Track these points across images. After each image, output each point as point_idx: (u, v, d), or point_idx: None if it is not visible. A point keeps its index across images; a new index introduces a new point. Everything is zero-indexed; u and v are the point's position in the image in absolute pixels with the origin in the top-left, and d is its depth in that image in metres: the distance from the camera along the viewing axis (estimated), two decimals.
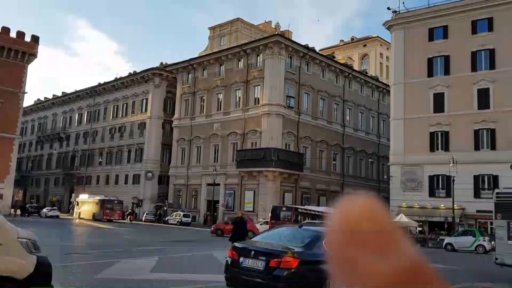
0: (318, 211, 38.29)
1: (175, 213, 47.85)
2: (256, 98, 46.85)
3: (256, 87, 47.04)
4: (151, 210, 54.08)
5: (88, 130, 68.50)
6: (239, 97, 48.52)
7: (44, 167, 76.84)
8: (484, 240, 27.89)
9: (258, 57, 47.24)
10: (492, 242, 25.46)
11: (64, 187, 70.11)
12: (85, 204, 51.86)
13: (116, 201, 50.38)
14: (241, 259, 8.21)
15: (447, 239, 29.85)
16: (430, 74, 37.70)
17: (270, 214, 35.52)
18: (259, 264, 7.84)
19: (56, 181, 73.33)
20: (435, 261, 15.74)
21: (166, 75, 58.24)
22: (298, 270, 7.54)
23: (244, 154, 45.26)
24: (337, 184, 51.11)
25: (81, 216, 50.35)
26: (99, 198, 50.16)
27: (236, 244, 9.04)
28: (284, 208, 35.73)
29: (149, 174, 56.66)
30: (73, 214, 55.24)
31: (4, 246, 5.49)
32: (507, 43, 34.63)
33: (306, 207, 40.07)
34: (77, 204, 54.06)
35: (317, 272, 6.76)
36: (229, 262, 8.49)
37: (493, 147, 34.54)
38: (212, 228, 33.47)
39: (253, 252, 8.13)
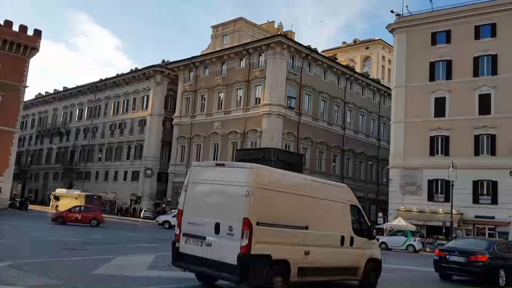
0: None
1: (173, 210, 47.79)
2: (257, 98, 46.85)
3: (257, 87, 47.04)
4: (149, 207, 54.10)
5: (89, 126, 68.54)
6: (240, 97, 48.52)
7: (44, 161, 76.89)
8: (415, 240, 30.22)
9: (260, 57, 47.23)
10: (422, 242, 30.17)
11: (63, 182, 70.06)
12: (63, 198, 53.28)
13: (96, 197, 52.25)
14: (448, 256, 14.11)
15: (381, 238, 31.06)
16: (431, 78, 37.71)
17: None
18: (462, 259, 13.76)
19: (55, 175, 73.37)
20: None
21: (168, 72, 58.25)
22: (487, 262, 13.39)
23: (243, 154, 45.01)
24: None
25: (58, 210, 50.76)
26: (78, 192, 52.28)
27: (442, 247, 15.35)
28: None
29: (148, 171, 56.67)
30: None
31: None
32: (510, 49, 34.67)
33: None
34: (54, 198, 54.65)
35: (496, 264, 13.54)
36: (438, 259, 14.42)
37: (493, 152, 34.55)
38: (53, 216, 30.42)
39: (456, 252, 14.07)
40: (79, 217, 29.82)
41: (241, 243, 7.78)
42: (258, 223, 7.93)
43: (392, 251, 28.95)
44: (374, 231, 11.62)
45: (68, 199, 52.82)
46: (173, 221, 32.87)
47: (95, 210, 32.31)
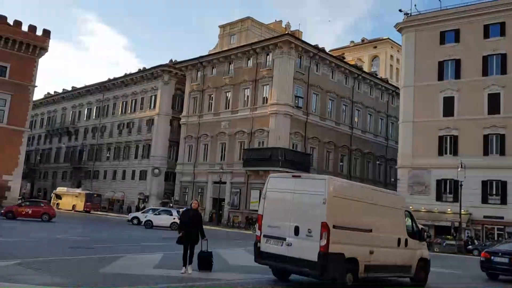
0: None
1: (181, 210, 47.93)
2: (264, 98, 46.83)
3: (264, 86, 47.01)
4: (156, 206, 54.28)
5: (97, 125, 68.94)
6: (248, 96, 48.52)
7: (52, 160, 77.46)
8: None
9: (268, 56, 47.20)
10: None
11: (71, 181, 70.56)
12: (64, 196, 55.72)
13: (95, 195, 54.83)
14: (492, 257, 15.48)
15: None
16: (440, 77, 37.44)
17: None
18: (505, 260, 15.15)
19: (63, 174, 73.88)
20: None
21: (175, 72, 58.41)
22: None
23: (251, 153, 45.26)
24: None
25: (59, 208, 52.04)
26: (79, 191, 54.99)
27: (488, 250, 16.19)
28: None
29: (156, 171, 56.91)
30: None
31: None
32: None
33: None
34: (56, 196, 56.04)
35: None
36: (484, 260, 15.77)
37: (502, 152, 34.24)
38: (2, 211, 30.09)
39: (500, 253, 15.51)
40: (30, 212, 29.79)
41: (320, 243, 9.16)
42: (334, 226, 9.29)
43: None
44: (425, 233, 13.52)
45: (69, 197, 54.94)
46: (142, 217, 33.10)
47: (46, 205, 32.49)
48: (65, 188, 58.27)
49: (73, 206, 53.73)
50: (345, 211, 9.79)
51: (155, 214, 33.19)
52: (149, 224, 31.54)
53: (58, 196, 56.62)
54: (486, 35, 36.15)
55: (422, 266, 12.12)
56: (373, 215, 10.62)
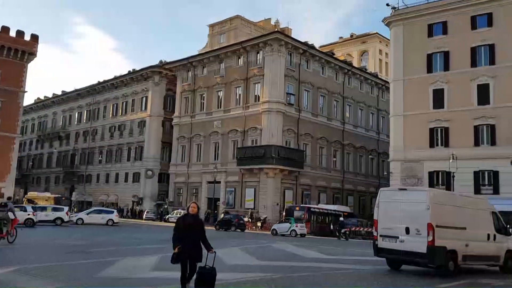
0: (329, 210, 39.88)
1: (175, 211, 47.97)
2: (256, 96, 46.88)
3: (256, 85, 47.07)
4: (151, 208, 54.23)
5: (88, 129, 68.62)
6: (239, 95, 48.55)
7: (45, 165, 77.03)
8: (297, 226, 33.46)
9: (258, 55, 47.24)
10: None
11: (64, 186, 70.23)
12: (36, 200, 54.35)
13: (64, 198, 54.71)
14: None
15: (274, 226, 35.74)
16: (429, 70, 37.60)
17: (284, 214, 38.55)
18: None
19: (56, 179, 73.49)
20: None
21: (166, 73, 58.28)
22: None
23: (244, 152, 45.32)
24: (337, 180, 51.18)
25: None
26: (49, 195, 54.62)
27: None
28: (297, 208, 38.74)
29: (149, 172, 56.79)
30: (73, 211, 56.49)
31: None
32: (507, 38, 34.54)
33: (319, 206, 41.53)
34: (28, 201, 55.93)
35: None
36: None
37: (493, 142, 34.47)
38: None
39: None
40: None
41: (427, 239, 12.07)
42: (437, 226, 12.12)
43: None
44: (510, 229, 15.39)
45: (40, 201, 54.55)
46: (86, 218, 35.47)
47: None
48: (36, 193, 57.60)
49: None
50: (444, 214, 12.57)
51: (87, 214, 37.05)
52: (80, 221, 34.96)
53: (30, 201, 56.47)
54: (474, 26, 36.32)
55: (509, 256, 14.55)
56: (466, 216, 13.32)
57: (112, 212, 38.23)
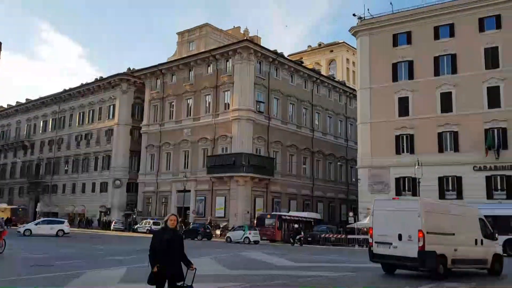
0: (300, 217, 40.07)
1: (144, 221, 47.19)
2: (226, 103, 46.86)
3: (226, 92, 47.06)
4: (119, 218, 53.12)
5: (54, 138, 66.85)
6: (209, 102, 48.40)
7: (8, 176, 74.49)
8: (250, 233, 33.95)
9: (228, 62, 47.29)
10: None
11: (29, 197, 68.06)
12: None
13: (20, 209, 54.55)
14: None
15: (228, 233, 36.32)
16: (395, 78, 38.57)
17: (255, 221, 38.71)
18: None
19: (20, 190, 71.13)
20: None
21: (134, 80, 57.53)
22: None
23: (214, 160, 45.13)
24: (307, 187, 51.58)
25: None
26: (5, 206, 54.42)
27: None
28: (268, 216, 38.79)
29: (117, 182, 55.70)
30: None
31: None
32: (468, 48, 35.88)
33: (290, 213, 41.62)
34: None
35: None
36: None
37: (456, 149, 35.58)
38: None
39: None
40: None
41: (418, 244, 13.00)
42: (427, 232, 13.07)
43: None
44: (497, 234, 16.32)
45: None
46: (35, 229, 34.35)
47: None
48: None
49: None
50: (434, 221, 13.55)
51: (35, 224, 35.80)
52: (28, 232, 33.71)
53: None
54: (437, 36, 37.54)
55: (497, 259, 15.45)
56: (454, 222, 14.30)
57: (63, 222, 36.81)
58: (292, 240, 34.39)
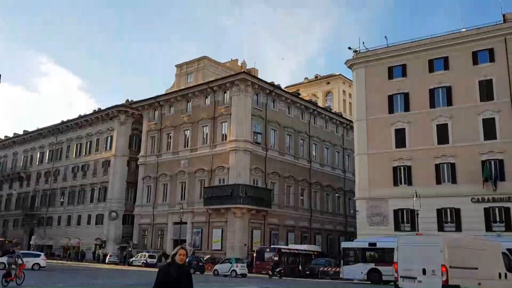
0: (300, 250, 39.48)
1: (140, 254, 46.44)
2: (223, 135, 46.96)
3: (223, 124, 47.24)
4: (114, 251, 52.26)
5: (50, 169, 66.53)
6: (207, 134, 48.52)
7: (3, 208, 73.72)
8: (237, 266, 33.72)
9: (225, 94, 47.68)
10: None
11: (23, 229, 67.18)
12: None
13: (6, 241, 51.45)
14: None
15: (215, 266, 35.72)
16: (391, 110, 38.83)
17: (255, 255, 38.16)
18: None
19: (15, 222, 70.26)
20: None
21: (132, 112, 57.79)
22: None
23: (211, 191, 44.84)
24: (305, 219, 51.11)
25: None
26: None
27: None
28: (268, 250, 38.41)
29: (113, 214, 55.09)
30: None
31: None
32: (463, 81, 36.31)
33: (290, 246, 41.04)
34: None
35: None
36: None
37: (454, 180, 35.45)
38: None
39: None
40: None
41: (442, 279, 13.51)
42: (450, 266, 13.50)
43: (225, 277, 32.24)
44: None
45: None
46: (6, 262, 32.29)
47: None
48: None
49: None
50: (457, 256, 13.98)
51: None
52: (2, 266, 30.99)
53: None
54: (431, 69, 38.03)
55: None
56: (477, 257, 14.69)
57: (39, 255, 34.91)
58: (270, 273, 33.69)
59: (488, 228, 33.15)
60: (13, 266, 19.76)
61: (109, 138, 58.74)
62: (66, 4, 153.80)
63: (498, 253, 15.98)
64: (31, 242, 59.19)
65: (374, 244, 30.79)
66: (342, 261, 32.23)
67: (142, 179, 53.46)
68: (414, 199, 31.26)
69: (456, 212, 34.65)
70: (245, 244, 42.66)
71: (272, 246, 40.45)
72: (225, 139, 46.35)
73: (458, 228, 33.84)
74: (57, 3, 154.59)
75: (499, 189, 33.41)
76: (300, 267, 37.02)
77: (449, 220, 34.97)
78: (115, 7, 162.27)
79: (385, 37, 58.94)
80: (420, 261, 14.25)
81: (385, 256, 28.11)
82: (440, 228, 34.15)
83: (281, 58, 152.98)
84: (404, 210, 36.28)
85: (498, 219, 33.53)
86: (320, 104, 65.20)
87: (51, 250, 59.67)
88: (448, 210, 35.08)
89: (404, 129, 37.94)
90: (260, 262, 36.29)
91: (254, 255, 38.40)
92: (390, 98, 38.97)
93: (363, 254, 30.94)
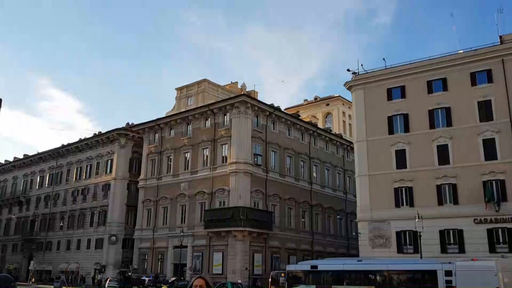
0: None
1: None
2: (223, 157, 46.89)
3: (223, 146, 47.23)
4: (114, 276, 51.52)
5: (50, 193, 66.25)
6: (207, 156, 48.46)
7: (2, 233, 73.13)
8: None
9: (225, 116, 47.81)
10: None
11: (22, 254, 66.50)
12: None
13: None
14: None
15: None
16: (390, 131, 38.85)
17: (270, 280, 37.52)
18: None
19: (14, 247, 69.60)
20: None
21: (132, 135, 57.86)
22: None
23: (212, 214, 44.52)
24: (306, 242, 50.58)
25: None
26: None
27: None
28: (282, 274, 37.28)
29: (113, 238, 54.57)
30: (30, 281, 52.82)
31: None
32: (461, 102, 36.43)
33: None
34: None
35: None
36: None
37: (456, 201, 35.19)
38: None
39: None
40: None
41: None
42: None
43: None
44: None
45: None
46: None
47: None
48: None
49: None
50: (510, 279, 15.37)
51: None
52: None
53: None
54: (430, 90, 38.21)
55: None
56: None
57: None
58: None
59: (492, 249, 32.69)
60: None
61: (109, 161, 58.65)
62: (66, 29, 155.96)
63: None
64: (30, 267, 58.47)
65: (316, 267, 31.75)
66: (286, 283, 32.70)
67: (142, 202, 53.16)
68: (417, 220, 31.00)
69: (459, 233, 34.29)
70: (246, 268, 42.09)
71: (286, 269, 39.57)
72: (226, 161, 46.27)
73: (461, 250, 33.42)
74: (58, 29, 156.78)
75: (502, 210, 33.15)
76: None
77: (452, 241, 34.57)
78: (117, 32, 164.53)
79: (383, 59, 59.54)
80: (476, 284, 15.86)
81: (326, 278, 30.09)
82: (443, 250, 33.77)
83: (280, 81, 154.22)
84: (407, 232, 35.92)
85: (501, 240, 33.14)
86: (320, 125, 65.38)
87: (50, 275, 58.88)
88: (451, 231, 34.72)
89: (404, 150, 37.90)
90: (276, 286, 36.00)
91: (270, 280, 37.74)
92: (390, 119, 39.05)
93: (305, 277, 31.63)
